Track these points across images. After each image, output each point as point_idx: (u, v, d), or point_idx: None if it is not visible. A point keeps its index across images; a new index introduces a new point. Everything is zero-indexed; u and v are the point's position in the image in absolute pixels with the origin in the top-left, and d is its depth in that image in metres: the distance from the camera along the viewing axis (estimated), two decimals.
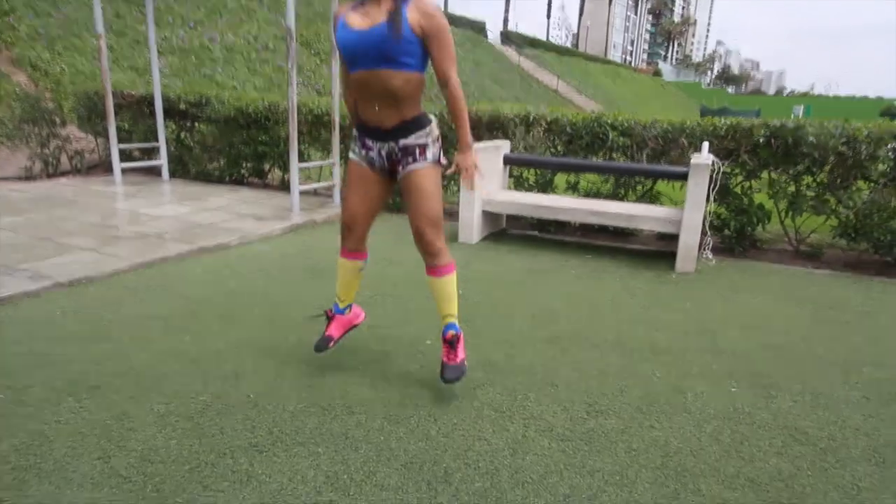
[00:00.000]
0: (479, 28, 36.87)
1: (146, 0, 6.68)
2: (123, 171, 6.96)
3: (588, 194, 5.62)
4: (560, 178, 5.88)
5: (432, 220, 2.26)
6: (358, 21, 2.12)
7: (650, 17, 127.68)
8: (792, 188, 4.85)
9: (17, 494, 1.71)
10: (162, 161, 7.28)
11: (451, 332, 2.35)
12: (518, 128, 5.70)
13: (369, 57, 2.11)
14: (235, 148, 7.15)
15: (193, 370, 2.51)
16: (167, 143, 7.37)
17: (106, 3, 12.99)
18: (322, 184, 6.55)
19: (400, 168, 2.29)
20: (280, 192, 6.71)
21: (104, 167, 7.68)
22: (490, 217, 5.25)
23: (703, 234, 4.32)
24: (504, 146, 5.40)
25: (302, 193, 5.93)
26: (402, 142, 2.24)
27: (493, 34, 40.79)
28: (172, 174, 7.45)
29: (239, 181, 7.41)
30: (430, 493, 1.78)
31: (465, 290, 3.63)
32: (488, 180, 5.09)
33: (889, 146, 4.49)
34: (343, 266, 2.49)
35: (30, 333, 2.82)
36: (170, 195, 6.36)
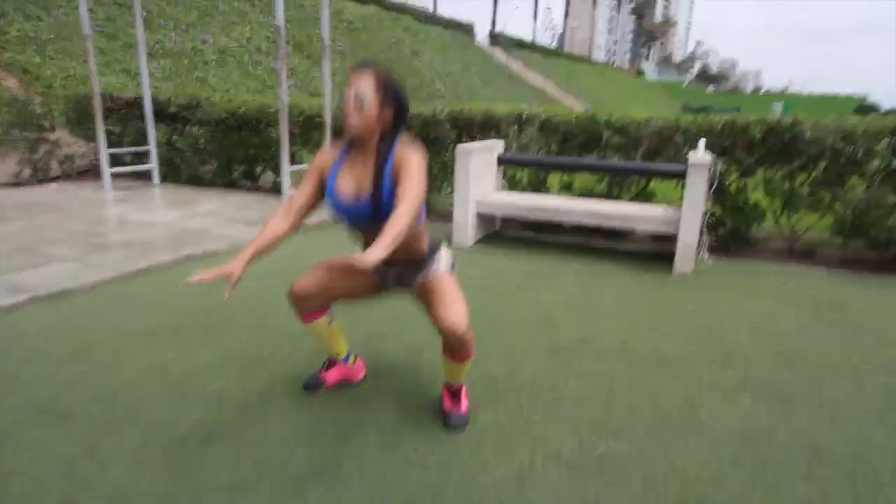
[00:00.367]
0: (467, 30, 36.54)
1: (134, 1, 6.38)
2: (114, 175, 6.67)
3: (582, 194, 5.40)
4: (554, 178, 5.65)
5: (461, 312, 1.92)
6: (346, 187, 1.90)
7: (633, 18, 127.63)
8: (788, 185, 4.65)
9: None
10: (152, 165, 6.99)
11: (457, 384, 2.13)
12: (511, 127, 5.47)
13: (362, 220, 1.91)
14: (227, 151, 6.87)
15: (175, 393, 2.27)
16: (158, 146, 7.08)
17: (97, 6, 12.63)
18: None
19: (411, 285, 2.07)
20: (272, 196, 6.44)
21: (95, 172, 7.37)
22: (484, 219, 5.02)
23: (701, 234, 4.11)
24: (497, 146, 5.17)
25: None
26: (408, 277, 2.07)
27: (482, 36, 40.46)
28: (163, 178, 7.16)
29: (231, 185, 7.13)
30: None
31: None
32: (482, 181, 4.86)
33: (885, 141, 4.30)
34: (311, 329, 2.21)
35: (0, 353, 2.56)
36: (159, 200, 6.09)
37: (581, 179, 5.54)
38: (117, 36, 11.99)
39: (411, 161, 1.82)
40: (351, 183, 1.91)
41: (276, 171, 6.70)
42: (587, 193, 5.36)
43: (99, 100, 6.28)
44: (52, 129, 7.09)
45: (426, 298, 2.02)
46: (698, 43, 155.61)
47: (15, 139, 6.89)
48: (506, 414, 2.18)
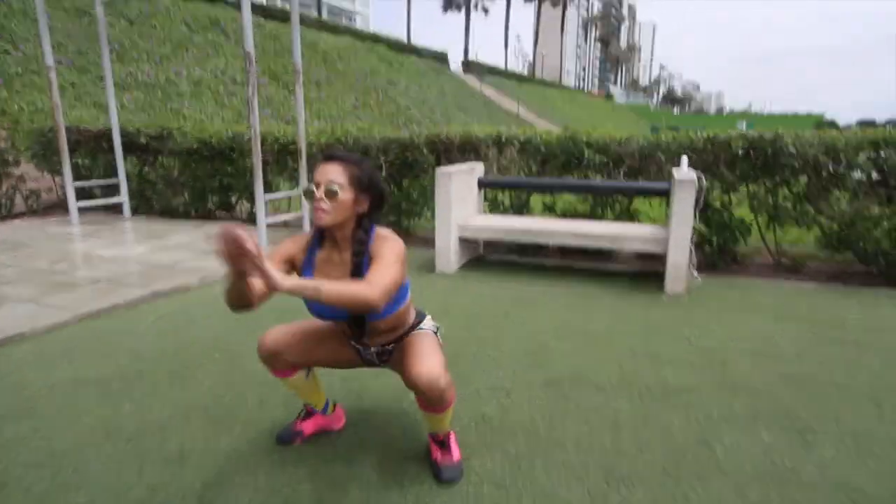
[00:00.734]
0: (441, 58, 36.89)
1: (100, 30, 6.12)
2: (82, 210, 6.32)
3: (565, 215, 5.23)
4: (536, 200, 5.48)
5: (437, 367, 1.67)
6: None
7: (599, 45, 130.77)
8: (772, 200, 4.52)
9: None
10: (123, 198, 6.66)
11: (443, 434, 1.87)
12: (491, 149, 5.30)
13: (342, 318, 1.75)
14: (200, 181, 6.58)
15: (129, 452, 1.97)
16: (129, 178, 6.76)
17: (67, 40, 12.32)
18: (291, 215, 6.02)
19: (392, 356, 1.89)
20: (248, 225, 6.15)
21: (62, 207, 7.00)
22: (467, 243, 4.80)
23: (691, 252, 3.94)
24: (478, 169, 4.98)
25: (270, 226, 5.40)
26: (397, 344, 1.87)
27: (455, 64, 40.89)
28: (135, 211, 6.83)
29: (206, 216, 6.82)
30: None
31: (448, 327, 3.16)
32: (463, 205, 4.65)
33: (866, 154, 4.21)
34: (287, 384, 1.94)
35: None
36: (129, 234, 5.75)
37: (564, 200, 5.37)
38: (88, 69, 11.69)
39: (384, 247, 1.63)
40: (326, 275, 1.71)
41: (252, 200, 6.42)
42: (570, 214, 5.19)
43: (63, 132, 5.96)
44: (17, 163, 6.72)
45: (401, 354, 1.80)
46: (662, 67, 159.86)
47: None
48: (504, 461, 1.92)
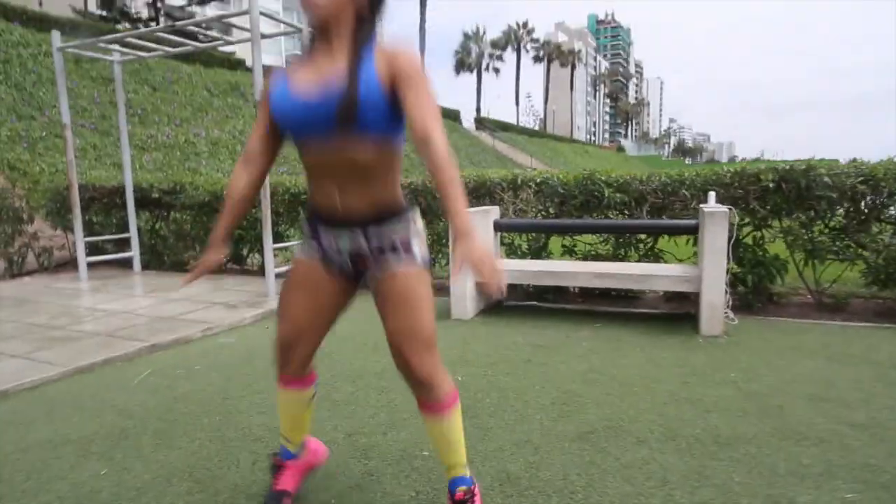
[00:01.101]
0: (453, 116, 37.75)
1: (117, 88, 6.21)
2: (92, 265, 6.24)
3: (586, 258, 4.97)
4: (555, 244, 5.24)
5: (423, 339, 1.46)
6: (305, 82, 1.42)
7: (608, 101, 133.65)
8: (808, 235, 4.23)
9: None
10: (133, 252, 6.57)
11: (463, 490, 1.58)
12: (506, 192, 5.12)
13: (325, 127, 1.40)
14: (210, 233, 6.47)
15: None
16: (140, 233, 6.70)
17: (92, 106, 12.74)
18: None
19: (373, 269, 1.53)
20: (259, 278, 5.98)
21: (74, 264, 6.94)
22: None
23: (726, 290, 3.65)
24: (493, 211, 4.78)
25: (279, 276, 5.22)
26: (375, 240, 1.50)
27: (468, 122, 41.80)
28: (146, 266, 6.72)
29: (217, 269, 6.69)
30: None
31: (466, 377, 2.87)
32: None
33: None
34: (286, 399, 1.68)
35: None
36: (137, 288, 5.61)
37: (584, 243, 5.12)
38: (110, 132, 11.99)
39: (412, 61, 1.38)
40: (313, 77, 1.41)
41: (262, 250, 6.29)
42: (591, 257, 4.93)
43: (76, 187, 5.94)
44: (31, 220, 6.71)
45: (386, 306, 1.50)
46: (671, 120, 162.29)
47: None
48: None
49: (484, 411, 2.45)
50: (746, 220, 4.31)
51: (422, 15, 44.82)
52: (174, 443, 2.23)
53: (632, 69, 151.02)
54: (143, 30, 5.41)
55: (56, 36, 5.67)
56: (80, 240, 6.00)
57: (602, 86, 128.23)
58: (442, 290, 4.93)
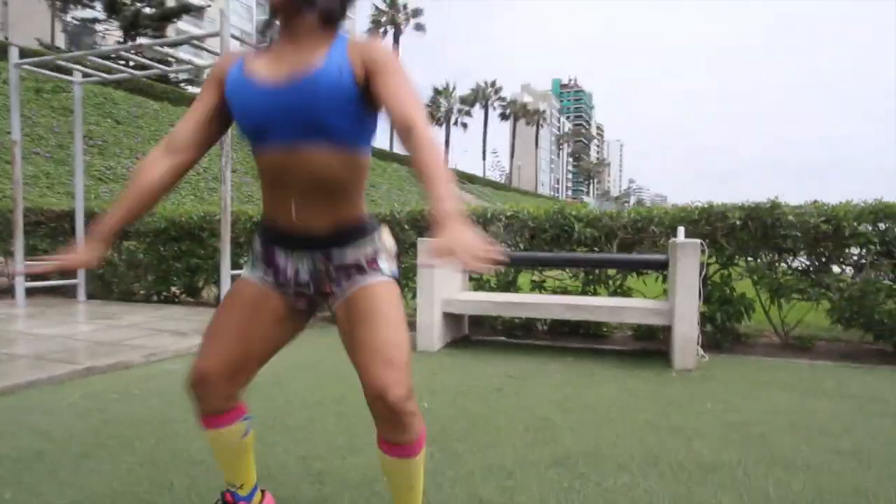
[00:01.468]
0: None
1: (76, 109, 5.97)
2: (32, 292, 5.81)
3: (555, 293, 4.88)
4: (523, 280, 5.15)
5: (397, 354, 1.22)
6: (268, 70, 1.26)
7: (571, 160, 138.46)
8: (775, 274, 4.26)
9: None
10: (79, 280, 6.16)
11: None
12: (476, 225, 5.03)
13: (290, 125, 1.22)
14: (166, 262, 6.15)
15: None
16: None
17: (49, 134, 12.33)
18: None
19: (334, 289, 1.34)
20: (212, 308, 5.66)
21: (12, 292, 6.46)
22: (451, 321, 4.37)
23: (699, 324, 3.58)
24: None
25: None
26: (337, 259, 1.32)
27: None
28: (91, 296, 6.31)
29: (169, 300, 6.33)
30: None
31: (433, 404, 2.68)
32: (447, 281, 4.29)
33: (870, 223, 4.03)
34: (215, 442, 1.41)
35: None
36: (79, 315, 5.21)
37: (553, 279, 5.05)
38: (66, 162, 11.56)
39: (386, 50, 1.25)
40: (277, 65, 1.25)
41: (218, 281, 5.99)
42: (560, 293, 4.84)
43: (21, 206, 5.59)
44: None
45: (353, 326, 1.28)
46: (630, 181, 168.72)
47: None
48: None
49: (452, 437, 2.24)
50: (713, 258, 4.32)
51: None
52: (97, 466, 1.94)
53: (593, 131, 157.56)
54: (105, 48, 5.26)
55: (14, 52, 5.46)
56: (19, 263, 5.60)
57: (566, 145, 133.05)
58: (409, 325, 4.73)
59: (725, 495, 1.76)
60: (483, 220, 5.05)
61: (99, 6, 23.03)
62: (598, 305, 3.83)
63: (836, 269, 4.25)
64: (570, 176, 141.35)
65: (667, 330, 3.95)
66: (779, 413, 2.63)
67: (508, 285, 5.02)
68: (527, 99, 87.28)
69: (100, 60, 5.59)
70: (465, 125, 62.57)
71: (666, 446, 2.18)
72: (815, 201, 4.19)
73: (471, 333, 4.75)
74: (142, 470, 1.92)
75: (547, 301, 4.00)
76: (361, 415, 2.50)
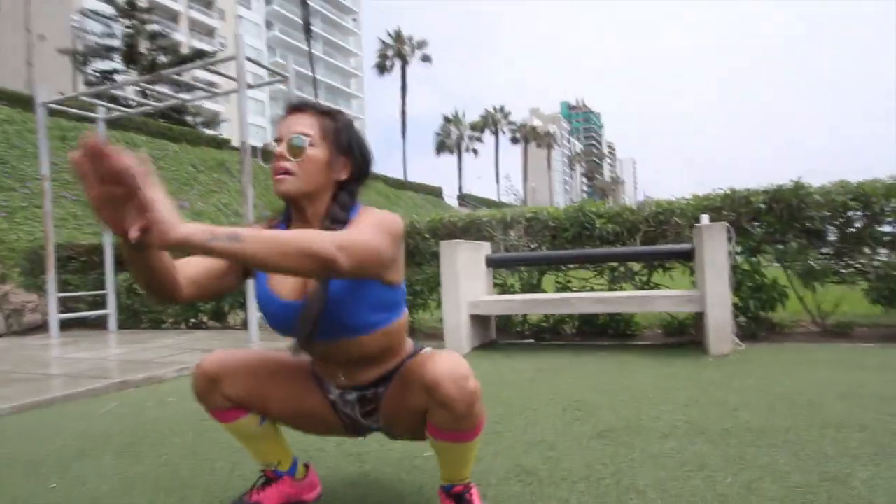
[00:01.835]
0: (436, 192, 38.54)
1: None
2: (65, 325, 5.90)
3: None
4: (548, 282, 5.11)
5: (466, 367, 1.18)
6: (283, 281, 1.24)
7: (585, 180, 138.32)
8: (806, 257, 4.16)
9: None
10: (109, 311, 6.26)
11: (461, 486, 1.32)
12: (496, 230, 5.03)
13: (321, 331, 1.22)
14: None
15: None
16: (118, 293, 6.42)
17: (75, 178, 12.70)
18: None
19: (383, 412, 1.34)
20: (242, 332, 5.70)
21: (45, 328, 6.59)
22: (478, 324, 4.33)
23: (732, 307, 3.50)
24: (485, 247, 4.67)
25: (263, 327, 4.96)
26: (384, 387, 1.33)
27: (451, 198, 42.68)
28: (121, 326, 6.39)
29: (197, 326, 6.39)
30: None
31: None
32: (472, 283, 4.27)
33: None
34: (235, 432, 1.40)
35: None
36: (111, 342, 5.29)
37: (578, 279, 4.99)
38: None
39: (366, 216, 1.21)
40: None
41: (244, 304, 6.04)
42: (587, 291, 4.78)
43: (52, 238, 5.73)
44: (3, 278, 6.43)
45: (399, 391, 1.26)
46: (646, 197, 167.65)
47: None
48: None
49: (490, 420, 2.20)
50: (740, 245, 4.24)
51: (403, 101, 46.93)
52: (138, 458, 1.94)
53: (605, 150, 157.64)
54: (126, 80, 5.45)
55: (41, 91, 5.68)
56: (52, 294, 5.71)
57: (578, 165, 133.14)
58: (435, 336, 4.71)
59: (780, 454, 1.69)
60: (504, 225, 5.05)
61: (118, 57, 23.93)
62: (627, 297, 3.78)
63: (866, 249, 4.14)
64: (585, 196, 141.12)
65: (699, 318, 3.87)
66: (825, 384, 2.54)
67: (533, 289, 4.97)
68: (536, 123, 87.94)
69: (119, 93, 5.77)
70: (475, 151, 63.08)
71: (710, 416, 2.11)
72: (840, 180, 4.11)
73: (498, 338, 4.70)
74: (182, 459, 1.91)
75: (574, 297, 3.95)
76: None
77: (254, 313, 4.77)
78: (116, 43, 23.78)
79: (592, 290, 4.81)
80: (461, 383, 1.15)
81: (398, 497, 1.51)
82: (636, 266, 4.67)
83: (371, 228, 1.12)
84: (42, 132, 5.61)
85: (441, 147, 60.71)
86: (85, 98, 5.65)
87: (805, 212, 4.02)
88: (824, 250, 4.21)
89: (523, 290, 4.97)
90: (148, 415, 2.55)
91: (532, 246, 4.90)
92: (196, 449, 2.01)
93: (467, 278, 4.17)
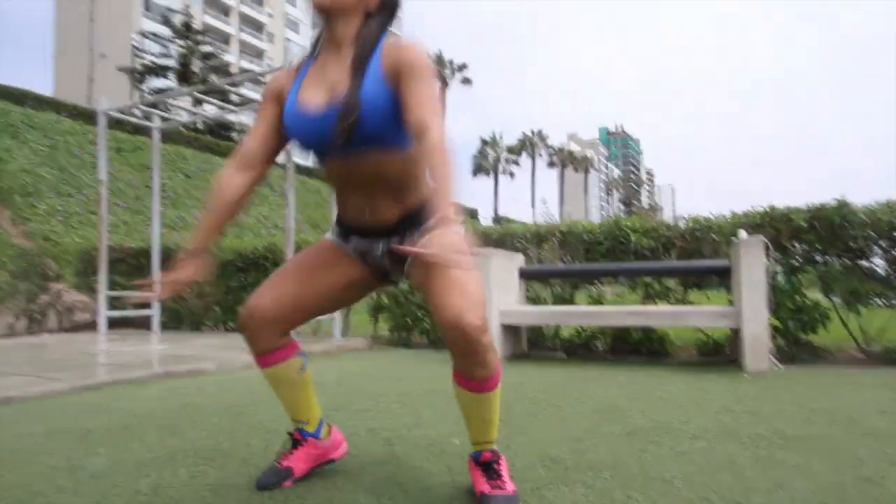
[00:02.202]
0: (472, 214, 38.71)
1: (154, 152, 6.48)
2: (112, 326, 6.16)
3: None
4: (581, 299, 5.09)
5: (475, 300, 1.21)
6: (313, 95, 1.34)
7: (622, 206, 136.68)
8: (847, 277, 4.04)
9: None
10: (153, 312, 6.51)
11: (490, 453, 1.37)
12: (530, 244, 5.07)
13: (331, 143, 1.32)
14: (232, 293, 6.44)
15: (91, 486, 1.50)
16: None
17: (128, 188, 13.33)
18: (324, 316, 5.72)
19: (405, 263, 1.42)
20: None
21: (93, 326, 6.89)
22: (509, 334, 4.35)
23: (769, 324, 3.43)
24: (518, 258, 4.71)
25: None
26: (410, 237, 1.41)
27: (486, 219, 42.78)
28: (163, 327, 6.64)
29: (234, 329, 6.58)
30: None
31: None
32: (505, 293, 4.30)
33: None
34: (272, 379, 1.49)
35: None
36: (154, 339, 5.50)
37: (612, 298, 4.97)
38: (141, 212, 12.42)
39: (418, 54, 1.29)
40: (320, 88, 1.34)
41: None
42: None
43: (105, 240, 6.02)
44: (57, 278, 6.77)
45: (428, 274, 1.28)
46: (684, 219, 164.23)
47: (17, 290, 6.54)
48: (588, 495, 1.38)
49: (517, 416, 2.23)
50: (779, 264, 4.16)
51: None
52: (180, 433, 2.04)
53: (643, 176, 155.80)
54: (181, 90, 5.74)
55: (103, 101, 6.04)
56: (102, 292, 5.99)
57: (615, 191, 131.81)
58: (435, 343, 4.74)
59: (813, 458, 1.66)
60: (538, 239, 5.07)
61: (172, 76, 25.11)
62: (661, 311, 3.74)
63: None
64: None
65: (734, 335, 3.81)
66: (867, 402, 2.47)
67: (566, 303, 4.96)
68: (574, 147, 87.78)
69: (174, 103, 6.08)
70: (512, 174, 63.21)
71: (743, 422, 2.08)
72: (888, 200, 4.00)
73: (530, 351, 4.70)
74: (221, 435, 2.00)
75: (607, 310, 3.94)
76: (425, 401, 2.52)
77: None
78: (171, 62, 24.98)
79: (626, 305, 4.78)
80: (464, 329, 1.18)
81: (427, 475, 1.55)
82: (671, 283, 4.62)
83: (433, 91, 1.27)
84: (102, 139, 5.94)
85: (478, 169, 61.09)
86: (142, 108, 5.98)
87: (848, 231, 3.93)
88: (869, 271, 4.09)
89: (555, 303, 4.97)
90: (189, 400, 2.66)
91: (566, 260, 4.91)
92: (234, 429, 2.10)
93: (500, 288, 4.21)
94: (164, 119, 6.56)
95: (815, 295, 4.16)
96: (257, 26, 50.49)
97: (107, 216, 6.15)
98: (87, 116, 15.91)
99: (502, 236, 5.20)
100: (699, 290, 4.62)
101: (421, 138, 1.21)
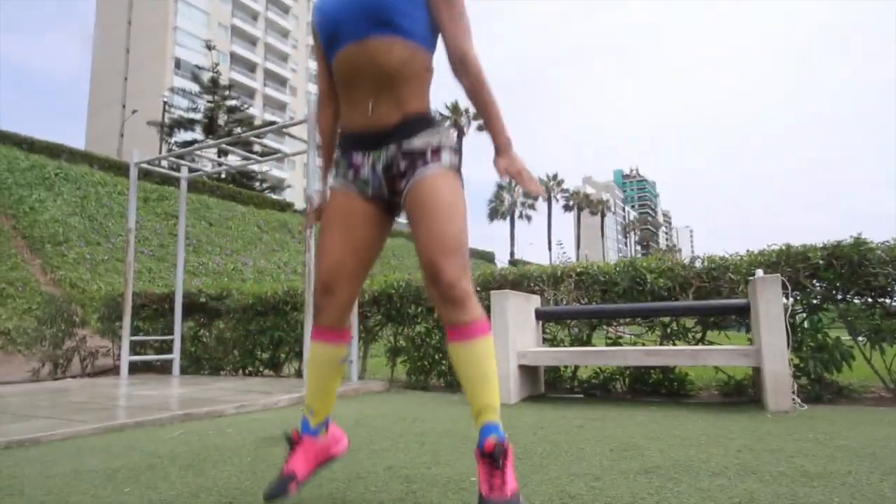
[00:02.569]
0: (488, 258, 38.82)
1: (181, 199, 6.70)
2: (133, 370, 6.25)
3: None
4: (598, 340, 5.06)
5: (452, 246, 1.38)
6: None
7: (640, 248, 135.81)
8: (869, 315, 3.99)
9: None
10: (175, 356, 6.60)
11: (493, 439, 1.36)
12: (547, 284, 5.09)
13: (356, 20, 1.45)
14: (251, 337, 6.51)
15: None
16: (183, 340, 6.78)
17: (153, 236, 13.69)
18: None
19: (403, 184, 1.50)
20: (297, 379, 5.88)
21: (116, 371, 6.99)
22: (527, 375, 4.34)
23: (790, 364, 3.38)
24: (534, 300, 4.73)
25: None
26: (406, 145, 1.49)
27: (502, 262, 42.78)
28: (184, 371, 6.71)
29: (253, 373, 6.62)
30: None
31: (511, 432, 2.66)
32: (522, 334, 4.31)
33: None
34: (317, 355, 1.57)
35: None
36: (174, 383, 5.56)
37: (628, 335, 4.94)
38: (166, 259, 12.71)
39: None
40: None
41: (301, 356, 6.24)
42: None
43: (131, 285, 6.19)
44: (83, 323, 6.92)
45: (415, 214, 1.44)
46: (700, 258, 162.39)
47: (43, 336, 6.69)
48: None
49: (535, 455, 2.22)
50: (798, 303, 4.12)
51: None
52: (203, 472, 2.07)
53: (660, 218, 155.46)
54: (208, 142, 5.99)
55: (135, 153, 6.32)
56: (126, 336, 6.11)
57: (632, 233, 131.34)
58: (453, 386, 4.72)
59: (835, 495, 1.64)
60: (554, 280, 5.10)
61: (198, 129, 26.09)
62: (680, 350, 3.72)
63: None
64: None
65: (756, 374, 3.75)
66: (891, 439, 2.41)
67: (583, 344, 4.94)
68: (589, 190, 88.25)
69: (201, 156, 6.34)
70: (528, 218, 63.51)
71: (764, 461, 2.05)
72: None
73: (547, 392, 4.66)
74: (242, 475, 2.02)
75: (625, 349, 3.92)
76: (443, 441, 2.52)
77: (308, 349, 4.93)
78: (198, 116, 26.01)
79: (644, 345, 4.74)
80: (449, 291, 1.37)
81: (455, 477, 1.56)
82: (689, 323, 4.59)
83: (466, 17, 1.48)
84: (133, 189, 6.19)
85: (494, 214, 61.54)
86: (170, 159, 6.24)
87: (867, 268, 3.90)
88: (892, 309, 4.03)
89: (573, 344, 4.95)
90: (209, 440, 2.70)
91: (583, 301, 4.91)
92: (254, 467, 2.12)
93: (517, 329, 4.22)
94: (191, 170, 6.82)
95: (837, 332, 4.11)
96: (281, 81, 52.54)
97: (133, 262, 6.33)
98: (117, 168, 16.54)
99: (519, 278, 5.23)
100: (719, 331, 4.59)
101: (459, 63, 1.47)
